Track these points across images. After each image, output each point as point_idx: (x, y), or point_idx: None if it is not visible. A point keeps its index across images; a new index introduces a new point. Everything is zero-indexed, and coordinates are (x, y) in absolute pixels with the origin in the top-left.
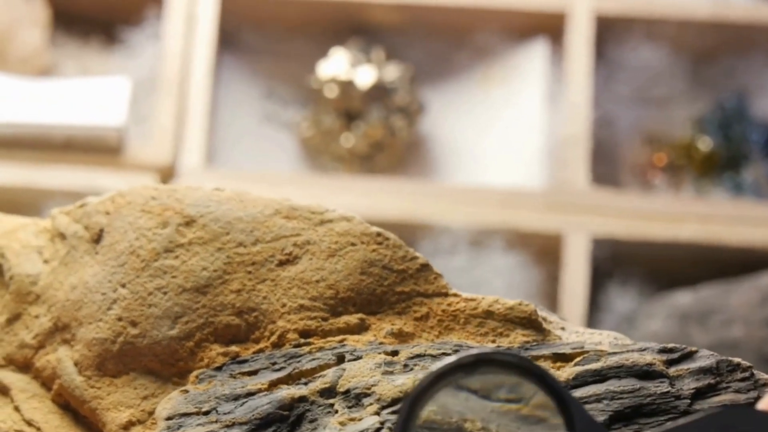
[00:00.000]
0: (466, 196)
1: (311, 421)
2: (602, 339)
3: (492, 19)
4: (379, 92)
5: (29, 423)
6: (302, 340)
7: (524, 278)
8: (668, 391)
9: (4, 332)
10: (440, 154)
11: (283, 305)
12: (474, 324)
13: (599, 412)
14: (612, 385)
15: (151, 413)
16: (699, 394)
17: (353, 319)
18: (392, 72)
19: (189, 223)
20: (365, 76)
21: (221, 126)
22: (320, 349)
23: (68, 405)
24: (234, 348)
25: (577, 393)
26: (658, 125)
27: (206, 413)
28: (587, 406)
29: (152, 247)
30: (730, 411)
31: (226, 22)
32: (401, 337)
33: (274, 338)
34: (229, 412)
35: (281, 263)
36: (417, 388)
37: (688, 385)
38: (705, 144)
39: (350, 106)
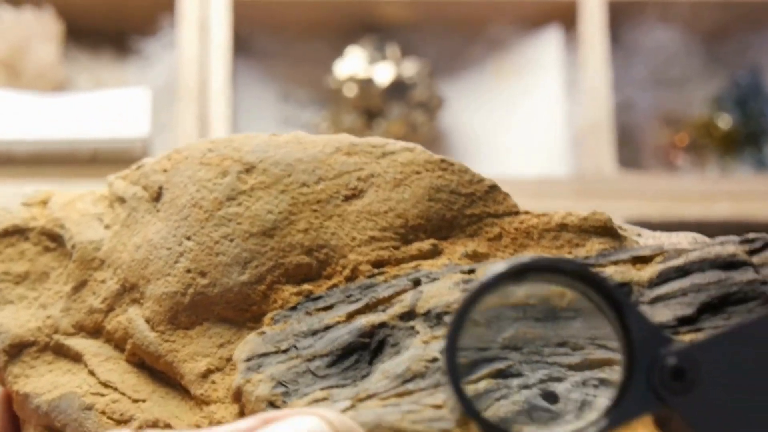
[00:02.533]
0: None
1: (393, 345)
2: (680, 239)
3: (504, 10)
4: (399, 89)
5: (106, 384)
6: (376, 271)
7: None
8: (755, 279)
9: (72, 300)
10: (462, 147)
11: (353, 239)
12: (548, 238)
13: (686, 305)
14: (696, 278)
15: (228, 360)
16: None
17: (425, 245)
18: (410, 68)
19: (249, 169)
20: (384, 74)
21: (241, 131)
22: (395, 276)
23: (143, 363)
24: (307, 286)
25: (662, 289)
26: (676, 106)
27: (285, 351)
28: (673, 301)
29: (214, 197)
30: None
31: (239, 27)
32: (476, 258)
33: (346, 272)
34: (309, 347)
35: (347, 198)
36: (465, 299)
37: None
38: (724, 122)
39: (370, 104)
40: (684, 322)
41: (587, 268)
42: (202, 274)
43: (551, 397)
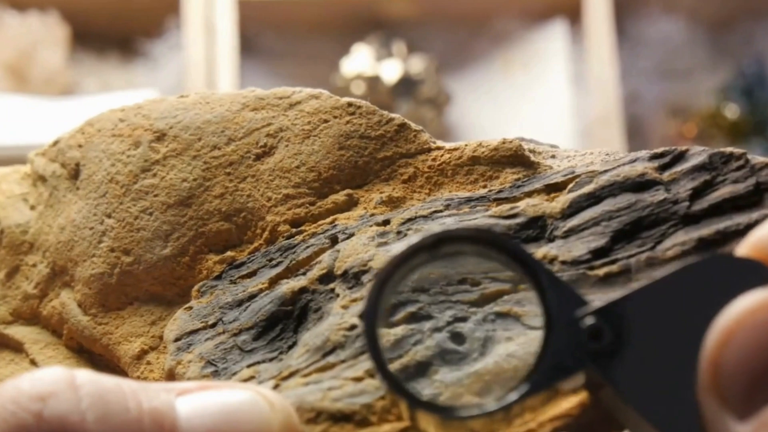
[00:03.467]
0: None
1: (316, 311)
2: (594, 158)
3: (509, 4)
4: (406, 85)
5: None
6: (294, 230)
7: None
8: (665, 198)
9: (6, 288)
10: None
11: (269, 199)
12: (462, 173)
13: (599, 236)
14: (608, 204)
15: (162, 337)
16: (696, 194)
17: (340, 197)
18: (417, 64)
19: (160, 137)
20: (391, 70)
21: None
22: (313, 234)
23: (82, 347)
24: (230, 253)
25: (574, 221)
26: (683, 96)
27: (213, 325)
28: (586, 232)
29: (129, 170)
30: (709, 260)
31: (245, 28)
32: (392, 203)
33: (266, 234)
34: (234, 320)
35: (258, 157)
36: (379, 277)
37: (684, 187)
38: (731, 111)
39: (378, 101)
40: (598, 254)
41: (499, 236)
42: (126, 252)
43: (458, 338)
